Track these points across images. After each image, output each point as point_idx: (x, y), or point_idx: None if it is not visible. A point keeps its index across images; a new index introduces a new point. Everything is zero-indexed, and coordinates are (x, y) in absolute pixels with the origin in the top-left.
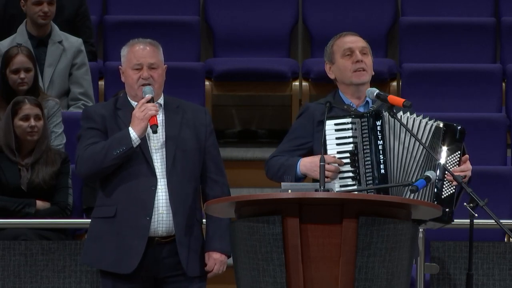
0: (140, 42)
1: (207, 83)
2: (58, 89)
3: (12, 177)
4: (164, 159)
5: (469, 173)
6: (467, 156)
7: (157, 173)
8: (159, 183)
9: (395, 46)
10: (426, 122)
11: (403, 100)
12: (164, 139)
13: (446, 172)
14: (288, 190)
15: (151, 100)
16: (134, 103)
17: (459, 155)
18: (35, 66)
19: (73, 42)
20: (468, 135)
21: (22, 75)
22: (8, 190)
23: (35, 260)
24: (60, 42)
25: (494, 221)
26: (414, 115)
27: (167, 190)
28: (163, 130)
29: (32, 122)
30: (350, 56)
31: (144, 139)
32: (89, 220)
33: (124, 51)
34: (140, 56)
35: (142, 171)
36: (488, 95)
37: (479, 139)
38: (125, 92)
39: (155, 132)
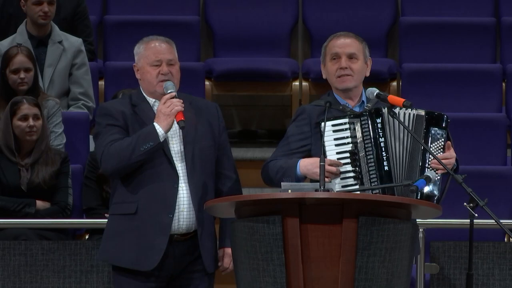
0: (156, 39)
1: (207, 83)
2: (58, 89)
3: (12, 177)
4: (184, 156)
5: (452, 161)
6: (449, 142)
7: (178, 171)
8: (180, 181)
9: (395, 46)
10: (405, 113)
11: (403, 100)
12: (182, 137)
13: (431, 159)
14: (288, 190)
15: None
16: (151, 100)
17: (442, 142)
18: (35, 66)
19: (73, 42)
20: (468, 135)
21: (22, 75)
22: (8, 190)
23: (35, 260)
24: (60, 42)
25: (494, 221)
26: (398, 109)
27: (188, 188)
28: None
29: (31, 122)
30: (336, 61)
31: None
32: (89, 220)
33: (139, 48)
34: (159, 52)
35: (164, 169)
36: (488, 95)
37: (479, 139)
38: (138, 89)
39: (183, 127)
